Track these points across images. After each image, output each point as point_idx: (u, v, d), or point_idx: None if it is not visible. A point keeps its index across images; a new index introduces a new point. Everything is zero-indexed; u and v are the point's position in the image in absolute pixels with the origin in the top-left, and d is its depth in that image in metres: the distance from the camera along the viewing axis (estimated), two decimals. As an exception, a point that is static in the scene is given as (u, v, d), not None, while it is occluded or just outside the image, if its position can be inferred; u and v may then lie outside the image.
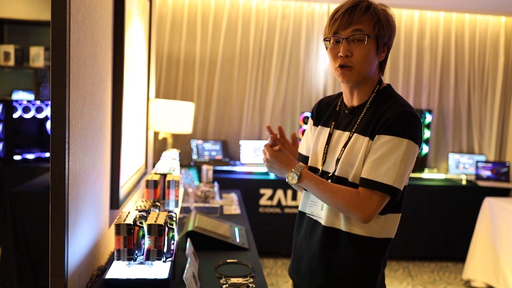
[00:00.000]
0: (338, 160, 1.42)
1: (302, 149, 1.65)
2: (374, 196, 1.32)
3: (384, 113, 1.35)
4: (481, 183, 4.35)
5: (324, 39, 1.42)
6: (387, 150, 1.31)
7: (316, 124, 1.58)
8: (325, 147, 1.48)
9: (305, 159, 1.64)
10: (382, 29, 1.36)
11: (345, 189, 1.35)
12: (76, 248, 1.39)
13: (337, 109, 1.52)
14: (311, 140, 1.59)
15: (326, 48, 1.43)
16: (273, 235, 4.07)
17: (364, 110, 1.42)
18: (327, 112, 1.55)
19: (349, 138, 1.41)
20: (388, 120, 1.33)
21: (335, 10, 1.39)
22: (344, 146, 1.41)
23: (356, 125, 1.41)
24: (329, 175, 1.43)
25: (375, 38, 1.36)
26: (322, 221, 1.44)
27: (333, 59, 1.40)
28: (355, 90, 1.44)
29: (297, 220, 1.59)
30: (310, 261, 1.47)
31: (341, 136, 1.45)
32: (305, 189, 1.55)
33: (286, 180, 1.40)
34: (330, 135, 1.49)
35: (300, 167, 1.39)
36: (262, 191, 4.11)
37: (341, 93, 1.55)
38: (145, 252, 1.43)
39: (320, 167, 1.47)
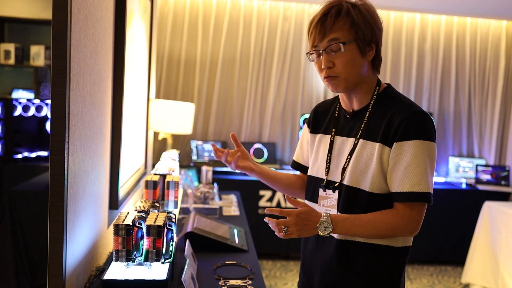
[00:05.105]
0: (344, 168, 1.35)
1: (298, 157, 1.60)
2: (414, 208, 1.27)
3: (392, 117, 1.29)
4: (481, 187, 4.35)
5: (307, 54, 1.36)
6: (413, 157, 1.25)
7: (314, 131, 1.51)
8: (327, 156, 1.41)
9: (301, 167, 1.59)
10: (360, 30, 1.28)
11: (381, 214, 1.28)
12: (75, 248, 1.38)
13: (336, 114, 1.45)
14: (309, 148, 1.52)
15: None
16: (272, 237, 4.04)
17: (367, 114, 1.35)
18: (326, 119, 1.48)
19: (355, 144, 1.35)
20: (400, 124, 1.27)
21: (310, 22, 1.34)
22: (350, 154, 1.35)
23: (360, 130, 1.35)
24: (336, 185, 1.37)
25: (354, 41, 1.29)
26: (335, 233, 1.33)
27: (319, 71, 1.35)
28: (352, 95, 1.38)
29: None
30: (324, 275, 1.39)
31: (344, 143, 1.38)
32: (307, 199, 1.49)
33: (320, 234, 1.27)
34: (332, 143, 1.42)
35: (326, 215, 1.27)
36: (261, 192, 4.11)
37: (337, 98, 1.49)
38: (143, 253, 1.42)
39: (324, 177, 1.41)
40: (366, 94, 1.37)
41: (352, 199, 1.33)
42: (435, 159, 1.29)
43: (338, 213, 1.35)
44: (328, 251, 1.37)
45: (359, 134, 1.35)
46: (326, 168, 1.41)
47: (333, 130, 1.43)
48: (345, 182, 1.34)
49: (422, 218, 1.30)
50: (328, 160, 1.41)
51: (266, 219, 1.30)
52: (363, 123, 1.35)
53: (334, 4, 1.31)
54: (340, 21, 1.29)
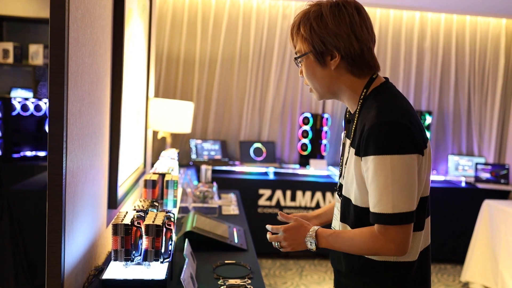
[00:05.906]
0: (343, 177, 1.32)
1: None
2: (389, 230, 1.16)
3: (364, 126, 1.19)
4: (480, 185, 4.35)
5: None
6: (373, 174, 1.15)
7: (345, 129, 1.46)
8: (340, 159, 1.38)
9: None
10: (309, 43, 1.26)
11: (360, 233, 1.21)
12: (73, 248, 1.38)
13: (347, 115, 1.40)
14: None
15: None
16: (271, 236, 4.05)
17: (355, 120, 1.27)
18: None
19: (349, 152, 1.30)
20: (364, 137, 1.17)
21: None
22: (346, 162, 1.31)
23: (351, 137, 1.29)
24: (342, 192, 1.33)
25: (308, 53, 1.28)
26: None
27: None
28: (340, 101, 1.35)
29: None
30: (336, 275, 1.40)
31: (349, 148, 1.33)
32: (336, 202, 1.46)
33: (308, 248, 1.28)
34: (343, 146, 1.38)
35: (312, 230, 1.26)
36: (261, 191, 4.10)
37: None
38: (142, 253, 1.41)
39: (339, 181, 1.37)
40: (352, 99, 1.30)
41: (346, 209, 1.30)
42: (407, 172, 1.14)
43: (340, 223, 1.33)
44: (339, 253, 1.34)
45: (351, 141, 1.30)
46: (340, 172, 1.38)
47: (345, 132, 1.40)
48: (343, 192, 1.32)
49: (404, 240, 1.16)
50: (341, 164, 1.38)
51: (267, 234, 1.33)
52: (353, 129, 1.28)
53: (294, 20, 1.32)
54: (296, 35, 1.31)
